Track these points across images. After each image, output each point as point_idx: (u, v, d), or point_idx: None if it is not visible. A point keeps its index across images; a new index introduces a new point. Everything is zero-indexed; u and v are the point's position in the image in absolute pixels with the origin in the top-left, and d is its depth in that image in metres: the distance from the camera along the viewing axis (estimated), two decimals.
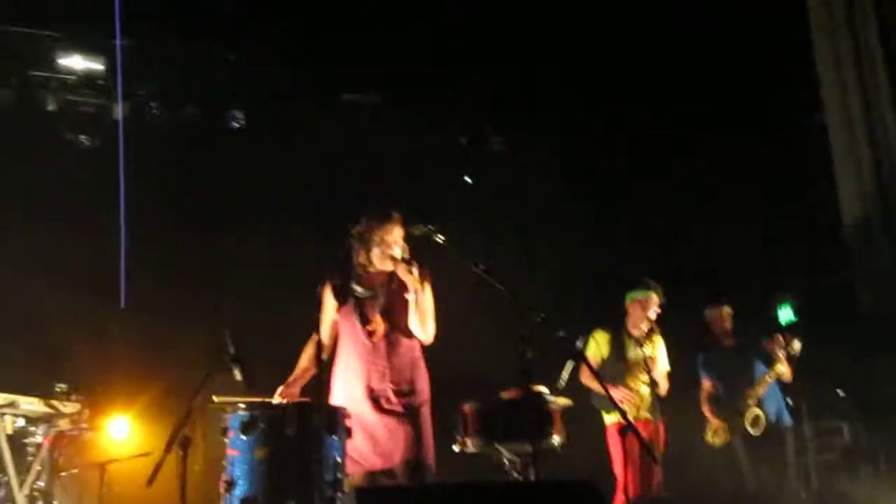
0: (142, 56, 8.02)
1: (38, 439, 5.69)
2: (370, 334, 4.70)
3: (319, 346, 4.25)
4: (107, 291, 7.53)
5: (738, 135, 8.88)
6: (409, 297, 4.69)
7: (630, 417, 5.31)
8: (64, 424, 5.82)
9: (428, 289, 4.74)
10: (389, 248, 4.71)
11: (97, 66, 7.98)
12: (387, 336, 4.71)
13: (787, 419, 7.10)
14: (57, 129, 8.03)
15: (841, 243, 7.55)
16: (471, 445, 4.59)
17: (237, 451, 4.04)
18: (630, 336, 6.60)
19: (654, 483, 6.15)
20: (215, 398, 4.37)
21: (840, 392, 8.15)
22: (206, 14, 7.93)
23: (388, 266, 4.74)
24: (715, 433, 7.19)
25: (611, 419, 6.48)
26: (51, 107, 8.03)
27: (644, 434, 5.72)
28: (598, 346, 6.58)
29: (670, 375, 6.61)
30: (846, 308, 7.75)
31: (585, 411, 6.34)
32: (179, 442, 3.92)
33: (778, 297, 8.75)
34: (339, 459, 4.13)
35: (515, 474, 4.52)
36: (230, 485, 4.00)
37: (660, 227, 8.80)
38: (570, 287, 7.76)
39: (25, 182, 7.41)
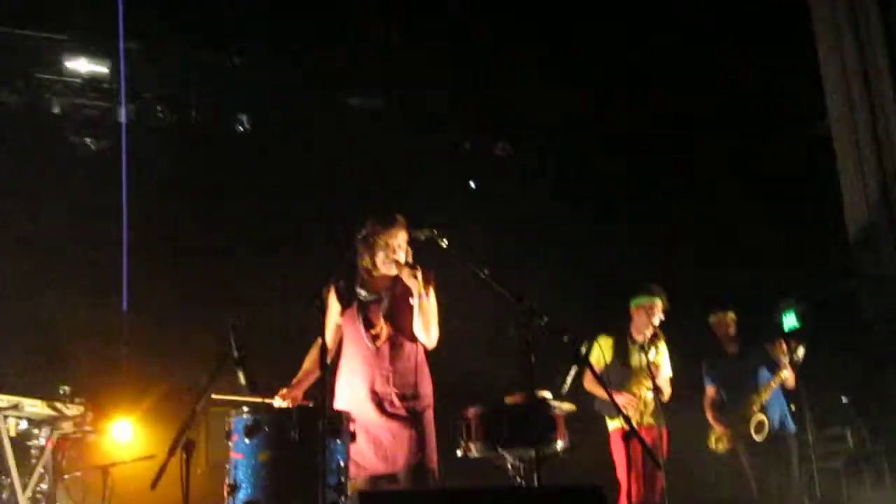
0: (147, 60, 8.05)
1: (42, 442, 5.71)
2: (374, 338, 4.70)
3: (323, 349, 4.25)
4: (110, 295, 7.54)
5: (742, 141, 8.89)
6: (413, 301, 4.69)
7: (633, 423, 5.30)
8: (67, 427, 5.84)
9: (432, 293, 4.74)
10: (394, 253, 4.71)
11: (103, 69, 8.01)
12: (390, 340, 4.71)
13: (791, 425, 7.09)
14: (62, 131, 8.04)
15: (845, 250, 7.54)
16: (474, 450, 4.58)
17: (240, 455, 4.04)
18: (634, 342, 6.59)
19: (657, 489, 6.14)
20: (215, 395, 4.37)
21: (843, 399, 8.14)
22: (211, 18, 7.96)
23: (393, 270, 4.74)
24: (718, 439, 7.18)
25: (614, 425, 6.48)
26: (56, 109, 8.05)
27: (647, 440, 5.71)
28: (601, 352, 6.57)
29: (673, 381, 6.60)
30: (850, 315, 7.75)
31: (589, 416, 6.33)
32: (183, 445, 3.91)
33: (782, 304, 8.75)
34: (342, 464, 4.12)
35: (519, 479, 4.51)
36: (233, 488, 4.00)
37: (664, 233, 8.79)
38: (573, 292, 7.75)
39: (30, 184, 7.43)
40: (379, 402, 4.62)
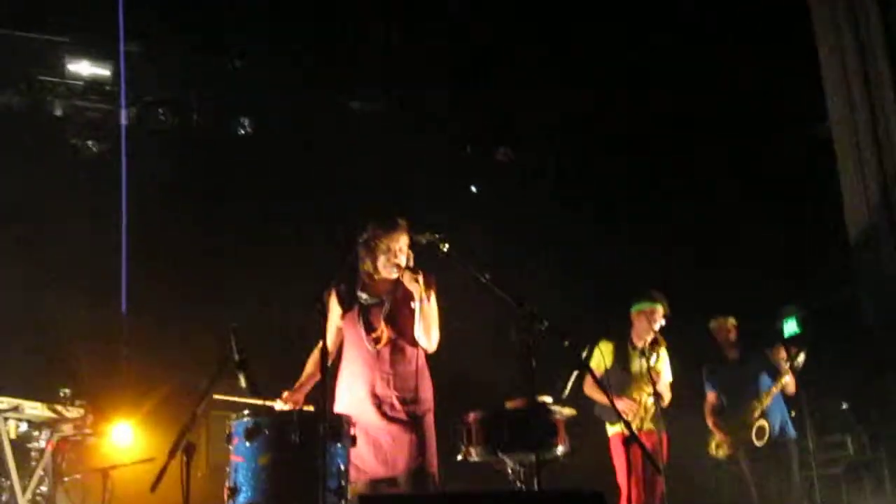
0: (149, 62, 8.05)
1: (42, 444, 5.70)
2: (375, 341, 4.70)
3: (324, 352, 4.25)
4: (111, 297, 7.54)
5: (742, 141, 8.89)
6: (414, 305, 4.69)
7: (633, 428, 5.29)
8: (67, 429, 5.83)
9: (433, 297, 4.73)
10: (395, 257, 4.71)
11: (105, 71, 8.01)
12: (391, 343, 4.71)
13: (791, 432, 7.09)
14: (64, 134, 8.05)
15: (846, 252, 7.53)
16: (474, 454, 4.58)
17: (241, 458, 4.04)
18: (634, 347, 6.59)
19: (657, 494, 6.13)
20: (218, 396, 4.37)
21: (844, 405, 8.14)
22: (212, 21, 7.98)
23: (394, 274, 4.74)
24: (719, 445, 7.17)
25: (614, 430, 6.47)
26: (58, 112, 8.06)
27: (647, 445, 5.70)
28: (601, 357, 6.56)
29: (673, 386, 6.60)
30: (850, 321, 7.74)
31: (589, 421, 6.33)
32: (183, 448, 3.91)
33: (783, 310, 8.75)
34: (342, 467, 4.12)
35: (519, 484, 4.50)
36: (233, 491, 4.00)
37: (665, 235, 8.79)
38: (574, 295, 7.75)
39: (32, 186, 7.44)
40: (379, 405, 4.62)
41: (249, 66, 8.22)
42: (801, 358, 6.93)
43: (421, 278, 4.63)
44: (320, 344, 4.45)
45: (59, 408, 5.71)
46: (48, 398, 5.70)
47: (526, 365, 4.34)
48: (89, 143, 8.07)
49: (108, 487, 6.12)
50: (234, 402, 4.43)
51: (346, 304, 4.80)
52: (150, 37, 7.93)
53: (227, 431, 4.15)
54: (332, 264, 4.91)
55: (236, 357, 4.23)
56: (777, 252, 8.64)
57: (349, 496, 4.12)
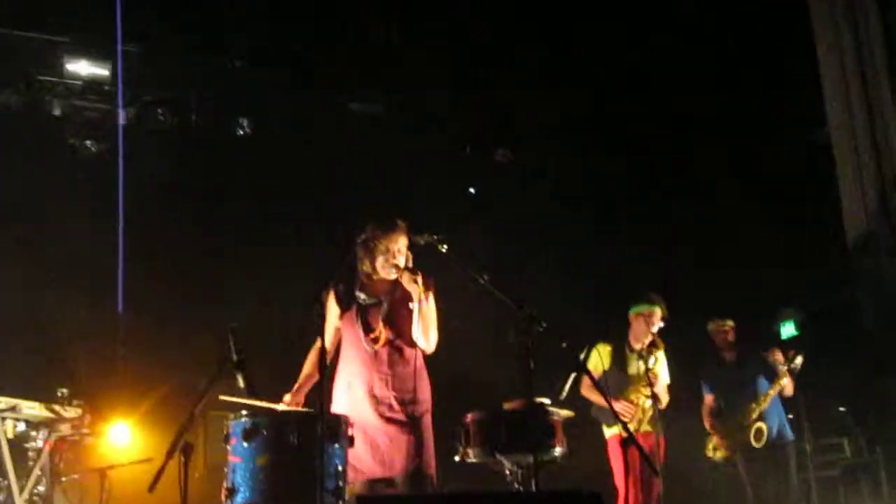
0: (148, 62, 8.05)
1: (39, 444, 5.69)
2: (373, 342, 4.70)
3: (322, 353, 4.25)
4: (109, 297, 7.54)
5: (742, 142, 8.90)
6: (413, 305, 4.69)
7: (631, 430, 5.30)
8: (65, 429, 5.82)
9: (431, 298, 4.74)
10: (394, 257, 4.71)
11: (103, 71, 8.01)
12: (390, 344, 4.71)
13: (789, 434, 7.09)
14: (63, 133, 8.05)
15: (844, 255, 7.54)
16: (472, 455, 4.58)
17: (239, 458, 4.04)
18: (632, 349, 6.59)
19: (653, 495, 6.14)
20: (223, 398, 4.37)
21: (841, 408, 8.15)
22: (211, 21, 7.98)
23: (392, 274, 4.74)
24: (716, 448, 7.18)
25: (611, 432, 6.48)
26: (57, 112, 8.06)
27: (645, 446, 5.70)
28: (599, 358, 6.57)
29: (670, 389, 6.60)
30: (848, 324, 7.75)
31: (587, 423, 6.34)
32: (181, 448, 3.91)
33: (781, 313, 8.76)
34: (340, 468, 4.12)
35: (517, 485, 4.51)
36: (231, 492, 3.99)
37: (664, 237, 8.80)
38: (573, 298, 7.76)
39: (30, 186, 7.43)
40: (377, 405, 4.62)
41: (248, 66, 8.22)
42: (799, 360, 6.94)
43: (420, 279, 4.64)
44: (317, 344, 4.46)
45: (56, 408, 5.70)
46: (46, 398, 5.69)
47: (524, 366, 4.35)
48: (88, 142, 8.07)
49: (105, 487, 6.12)
50: (233, 403, 4.42)
51: (345, 305, 4.80)
52: (148, 37, 7.93)
53: (225, 432, 4.14)
54: (331, 265, 4.90)
55: (234, 357, 4.23)
56: (776, 254, 8.65)
57: (347, 497, 4.12)
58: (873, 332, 7.13)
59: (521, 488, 4.45)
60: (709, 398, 7.31)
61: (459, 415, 4.65)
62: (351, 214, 5.45)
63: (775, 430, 7.03)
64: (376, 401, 4.63)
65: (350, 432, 4.26)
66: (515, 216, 8.70)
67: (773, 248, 8.63)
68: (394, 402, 4.63)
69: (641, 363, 6.32)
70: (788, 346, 7.28)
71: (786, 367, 6.93)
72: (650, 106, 8.75)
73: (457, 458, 4.66)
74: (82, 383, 6.21)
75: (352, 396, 4.68)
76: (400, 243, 4.74)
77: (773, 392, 6.97)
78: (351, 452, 4.29)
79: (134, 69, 7.96)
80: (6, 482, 5.40)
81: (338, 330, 4.83)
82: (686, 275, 8.42)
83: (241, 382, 4.23)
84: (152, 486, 3.84)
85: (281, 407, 4.60)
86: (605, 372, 6.51)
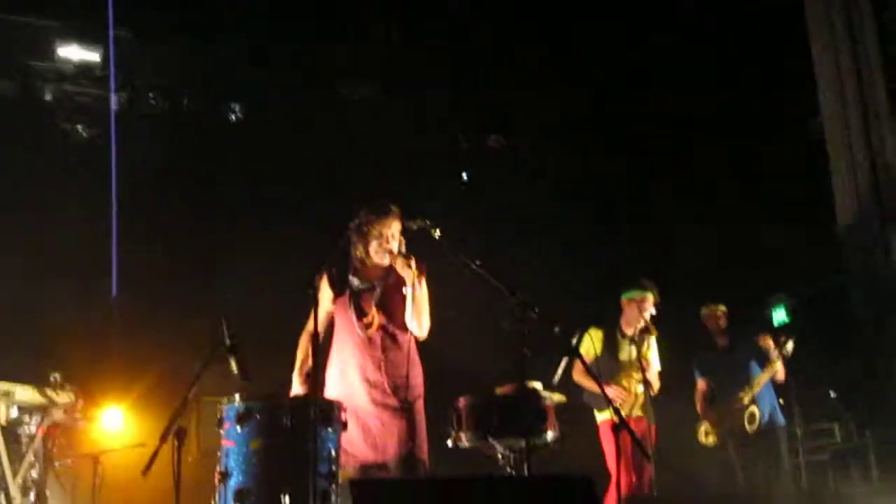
0: (140, 47, 8.02)
1: (32, 429, 5.70)
2: (366, 327, 4.71)
3: (315, 337, 4.26)
4: (101, 282, 7.53)
5: (735, 137, 8.91)
6: (406, 291, 4.70)
7: (623, 415, 5.31)
8: (58, 415, 5.83)
9: (424, 283, 4.74)
10: (387, 242, 4.71)
11: (95, 56, 7.97)
12: (382, 329, 4.72)
13: (780, 419, 7.13)
14: (54, 118, 8.01)
15: (835, 246, 7.58)
16: (464, 440, 4.60)
17: (232, 443, 4.04)
18: (623, 335, 6.61)
19: (645, 479, 6.17)
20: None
21: (832, 393, 8.19)
22: (204, 5, 7.94)
23: (386, 260, 4.74)
24: (707, 432, 7.21)
25: (602, 416, 6.50)
26: (48, 97, 8.02)
27: (636, 432, 5.73)
28: (591, 343, 6.59)
29: (662, 374, 6.63)
30: (839, 310, 7.79)
31: (579, 408, 6.36)
32: (174, 433, 3.92)
33: (773, 299, 8.79)
34: (333, 452, 4.13)
35: (509, 469, 4.53)
36: (224, 476, 4.00)
37: (659, 225, 8.82)
38: (565, 284, 7.78)
39: (22, 171, 7.41)
40: (370, 390, 4.63)
41: (241, 52, 8.19)
42: (790, 346, 6.97)
43: (413, 264, 4.64)
44: (307, 329, 4.47)
45: (49, 392, 5.71)
46: (39, 383, 5.69)
47: (517, 352, 4.36)
48: (79, 127, 8.04)
49: (98, 472, 6.14)
50: (226, 387, 4.42)
51: (338, 289, 4.80)
52: (140, 21, 7.88)
53: (219, 416, 4.14)
54: (324, 249, 4.90)
55: (227, 342, 4.23)
56: (767, 241, 8.67)
57: (340, 481, 4.13)
58: (862, 321, 7.17)
59: (514, 472, 4.48)
60: (701, 383, 7.34)
61: (452, 399, 4.67)
62: (343, 199, 5.45)
63: (767, 415, 7.06)
64: (369, 385, 4.64)
65: (343, 417, 4.27)
66: (509, 203, 8.70)
67: (764, 236, 8.66)
68: (387, 387, 4.64)
69: (633, 349, 6.34)
70: (780, 332, 7.31)
71: (777, 353, 6.96)
72: (650, 106, 8.76)
73: (449, 443, 4.68)
74: (75, 368, 6.20)
75: (345, 381, 4.69)
76: (393, 228, 4.74)
77: (764, 377, 7.00)
78: (344, 437, 4.30)
79: (125, 54, 7.92)
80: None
81: (329, 315, 4.84)
82: (678, 261, 8.44)
83: (233, 367, 4.23)
84: (145, 471, 3.86)
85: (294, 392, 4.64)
86: (596, 357, 6.54)
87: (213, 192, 8.21)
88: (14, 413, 5.61)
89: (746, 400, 7.01)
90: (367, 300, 4.76)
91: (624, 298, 6.69)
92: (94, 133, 8.04)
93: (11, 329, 6.83)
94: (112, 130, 7.87)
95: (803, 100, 8.03)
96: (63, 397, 5.77)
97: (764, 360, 7.06)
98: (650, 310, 6.56)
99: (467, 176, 9.27)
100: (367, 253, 4.77)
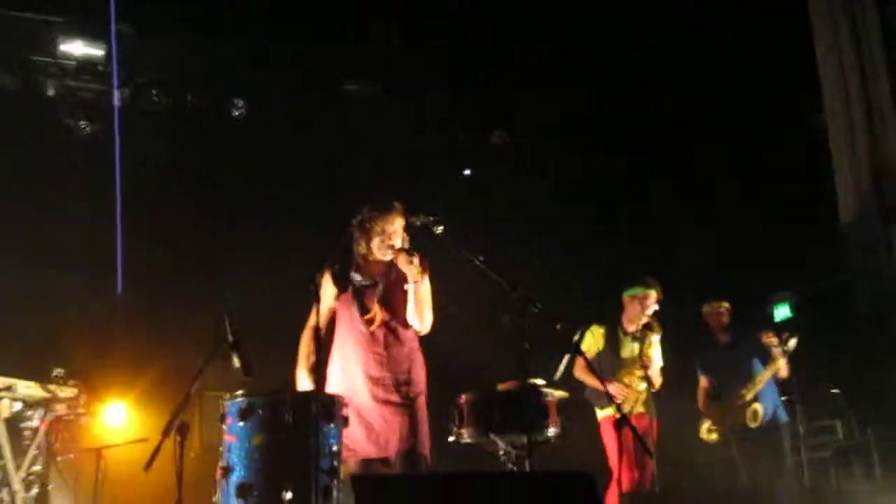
0: (142, 42, 8.01)
1: (35, 423, 5.71)
2: (368, 323, 4.72)
3: (317, 333, 4.27)
4: (105, 277, 7.54)
5: (735, 136, 8.91)
6: (408, 287, 4.70)
7: (624, 411, 5.33)
8: (61, 409, 5.83)
9: (427, 279, 4.75)
10: (390, 239, 4.72)
11: (98, 51, 7.96)
12: (385, 325, 4.73)
13: (783, 416, 7.12)
14: (57, 114, 8.02)
15: (839, 243, 7.57)
16: (466, 436, 4.61)
17: (234, 438, 4.05)
18: (625, 332, 6.61)
19: (647, 476, 6.17)
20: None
21: (834, 390, 8.19)
22: (207, 1, 7.93)
23: (388, 256, 4.75)
24: (710, 430, 7.21)
25: (603, 413, 6.50)
26: (51, 92, 8.02)
27: (638, 428, 5.73)
28: (593, 340, 6.60)
29: (663, 371, 6.62)
30: (842, 308, 7.79)
31: (581, 404, 6.36)
32: (177, 428, 3.93)
33: (776, 296, 8.78)
34: (335, 448, 4.14)
35: (511, 465, 4.54)
36: (227, 471, 4.01)
37: (660, 224, 8.82)
38: (565, 283, 7.78)
39: (25, 167, 7.42)
40: (372, 386, 4.64)
41: (244, 48, 8.18)
42: (793, 343, 6.96)
43: (416, 260, 4.65)
44: (309, 325, 4.47)
45: (52, 387, 5.72)
46: (42, 378, 5.70)
47: (518, 348, 4.37)
48: (82, 123, 8.04)
49: (101, 467, 6.15)
50: (228, 383, 4.43)
51: (341, 286, 4.81)
52: (143, 17, 7.88)
53: (221, 411, 4.16)
54: (327, 245, 4.91)
55: (230, 338, 4.24)
56: (767, 241, 8.67)
57: (341, 476, 4.14)
58: (865, 319, 7.17)
59: (515, 468, 4.49)
60: (704, 380, 7.34)
61: (454, 395, 4.68)
62: (346, 195, 5.45)
63: (770, 412, 7.06)
64: (371, 381, 4.65)
65: (345, 412, 4.28)
66: (509, 203, 8.70)
67: (767, 234, 8.66)
68: (389, 383, 4.65)
69: (636, 345, 6.34)
70: (782, 329, 7.30)
71: (780, 350, 6.95)
72: (650, 106, 8.75)
73: (451, 439, 4.69)
74: (79, 363, 6.21)
75: (347, 377, 4.70)
76: (396, 225, 4.75)
77: (767, 374, 7.00)
78: (346, 432, 4.31)
79: (128, 49, 7.92)
80: (2, 461, 5.42)
81: (331, 311, 4.84)
82: (681, 258, 8.43)
83: (236, 362, 4.24)
84: (148, 466, 3.87)
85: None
86: (598, 354, 6.53)
87: (217, 189, 8.22)
88: (17, 407, 5.62)
89: (749, 397, 7.00)
90: (369, 296, 4.77)
91: (626, 295, 6.68)
92: (96, 129, 8.05)
93: (16, 324, 6.85)
94: (115, 126, 7.86)
95: (803, 98, 8.02)
96: (66, 392, 5.78)
97: (766, 357, 7.05)
98: (653, 306, 6.55)
99: (469, 172, 9.28)
100: (369, 249, 4.78)
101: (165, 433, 3.90)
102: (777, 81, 8.43)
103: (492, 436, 4.51)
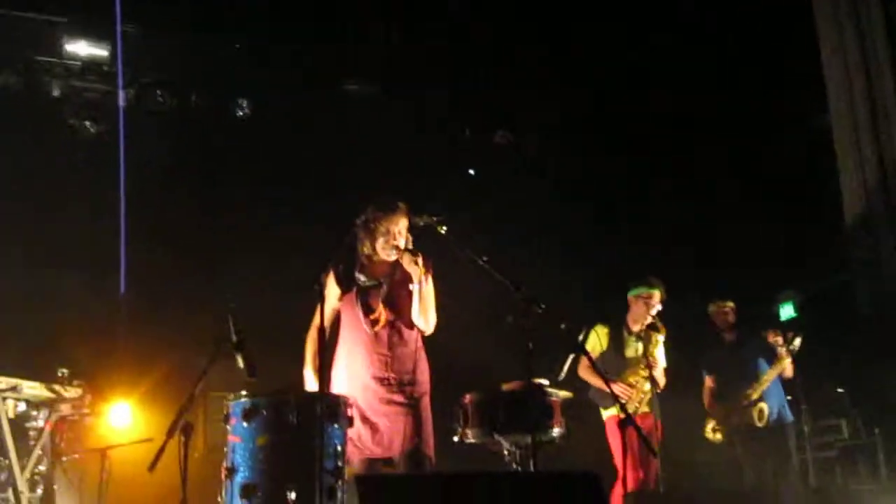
0: (147, 43, 8.03)
1: (40, 424, 5.71)
2: (373, 323, 4.72)
3: (321, 333, 4.27)
4: (109, 277, 7.55)
5: (741, 133, 8.90)
6: (413, 287, 4.70)
7: (629, 411, 5.31)
8: (66, 409, 5.84)
9: (431, 279, 4.75)
10: (394, 239, 4.72)
11: (102, 52, 7.98)
12: (389, 325, 4.73)
13: (788, 416, 7.11)
14: (62, 114, 8.03)
15: (843, 242, 7.55)
16: (471, 436, 4.61)
17: (238, 438, 4.05)
18: (630, 331, 6.60)
19: (651, 475, 6.16)
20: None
21: (839, 390, 8.18)
22: (211, 2, 7.94)
23: (392, 256, 4.75)
24: (715, 429, 7.20)
25: (608, 413, 6.49)
26: (56, 92, 8.04)
27: (642, 428, 5.73)
28: (598, 340, 6.59)
29: (668, 371, 6.61)
30: (847, 307, 7.77)
31: (585, 404, 6.36)
32: (181, 428, 3.93)
33: (781, 295, 8.77)
34: (339, 448, 4.14)
35: (515, 465, 4.53)
36: (231, 471, 4.01)
37: (664, 223, 8.81)
38: (565, 283, 7.77)
39: (29, 167, 7.43)
40: (377, 387, 4.64)
41: (248, 48, 8.19)
42: (798, 342, 6.95)
43: (420, 260, 4.64)
44: (314, 325, 4.47)
45: (57, 387, 5.73)
46: (47, 378, 5.71)
47: (522, 348, 4.36)
48: (87, 123, 8.05)
49: (105, 467, 6.15)
50: (232, 383, 4.43)
51: (345, 286, 4.81)
52: (148, 17, 7.89)
53: (225, 412, 4.16)
54: (330, 246, 4.91)
55: (234, 338, 4.24)
56: (775, 238, 8.65)
57: (346, 476, 4.14)
58: (870, 318, 7.15)
59: (520, 468, 4.48)
60: (709, 380, 7.32)
61: (458, 395, 4.67)
62: (350, 195, 5.45)
63: (776, 411, 7.04)
64: (376, 381, 4.65)
65: (349, 412, 4.28)
66: (509, 203, 8.70)
67: (771, 234, 8.65)
68: (393, 383, 4.65)
69: (640, 345, 6.33)
70: (787, 328, 7.29)
71: (785, 349, 6.94)
72: (650, 106, 8.74)
73: (455, 439, 4.69)
74: (83, 363, 6.21)
75: (351, 377, 4.70)
76: (400, 225, 4.75)
77: (773, 373, 6.99)
78: (350, 432, 4.31)
79: (132, 50, 7.93)
80: (7, 461, 5.42)
81: (335, 311, 4.84)
82: (685, 258, 8.42)
83: (240, 363, 4.24)
84: (152, 466, 3.87)
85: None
86: (602, 353, 6.52)
87: (222, 189, 8.22)
88: (22, 408, 5.63)
89: (754, 396, 6.99)
90: (373, 297, 4.76)
91: (631, 295, 6.67)
92: (101, 129, 8.06)
93: (20, 324, 6.85)
94: (120, 126, 7.87)
95: (804, 98, 8.00)
96: (71, 392, 5.78)
97: (771, 357, 7.04)
98: (657, 306, 6.54)
99: (473, 172, 9.27)
100: (373, 249, 4.78)
101: (170, 434, 3.90)
102: (777, 81, 8.42)
103: (496, 436, 4.51)
